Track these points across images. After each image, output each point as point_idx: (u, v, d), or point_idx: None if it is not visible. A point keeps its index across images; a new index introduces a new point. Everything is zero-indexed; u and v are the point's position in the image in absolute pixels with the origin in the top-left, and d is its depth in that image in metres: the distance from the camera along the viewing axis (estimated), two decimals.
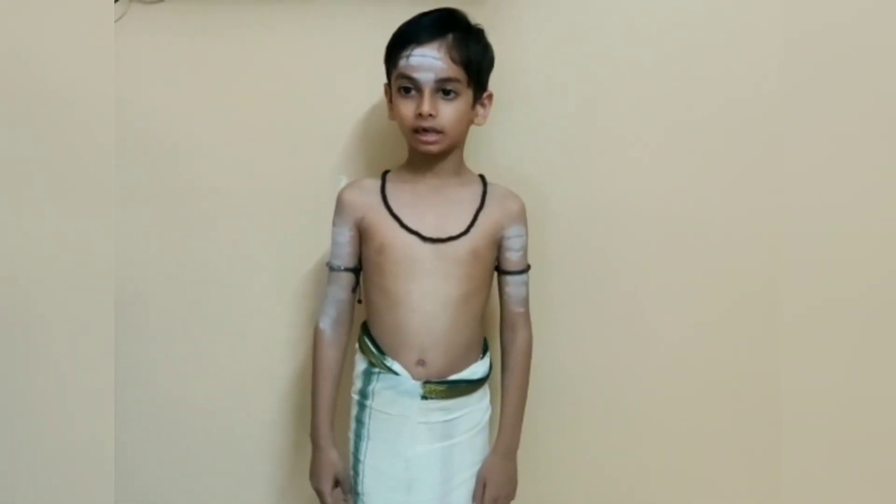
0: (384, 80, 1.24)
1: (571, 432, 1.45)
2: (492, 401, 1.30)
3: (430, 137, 1.18)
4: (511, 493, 1.29)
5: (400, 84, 1.19)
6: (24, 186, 1.13)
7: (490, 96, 1.24)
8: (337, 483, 1.26)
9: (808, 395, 1.32)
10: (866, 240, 1.32)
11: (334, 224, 1.26)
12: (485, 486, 1.26)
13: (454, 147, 1.23)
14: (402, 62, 1.17)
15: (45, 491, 1.12)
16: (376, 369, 1.23)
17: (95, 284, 1.16)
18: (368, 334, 1.25)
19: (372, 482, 1.23)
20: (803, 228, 1.32)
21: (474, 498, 1.25)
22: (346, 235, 1.24)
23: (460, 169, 1.27)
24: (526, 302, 1.29)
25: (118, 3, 1.40)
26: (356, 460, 1.25)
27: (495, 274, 1.28)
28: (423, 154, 1.21)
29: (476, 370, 1.25)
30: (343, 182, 1.39)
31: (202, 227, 1.48)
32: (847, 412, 1.33)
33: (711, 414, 1.42)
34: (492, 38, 1.25)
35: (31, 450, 1.11)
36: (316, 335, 1.28)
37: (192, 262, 1.48)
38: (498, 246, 1.26)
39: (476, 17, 1.24)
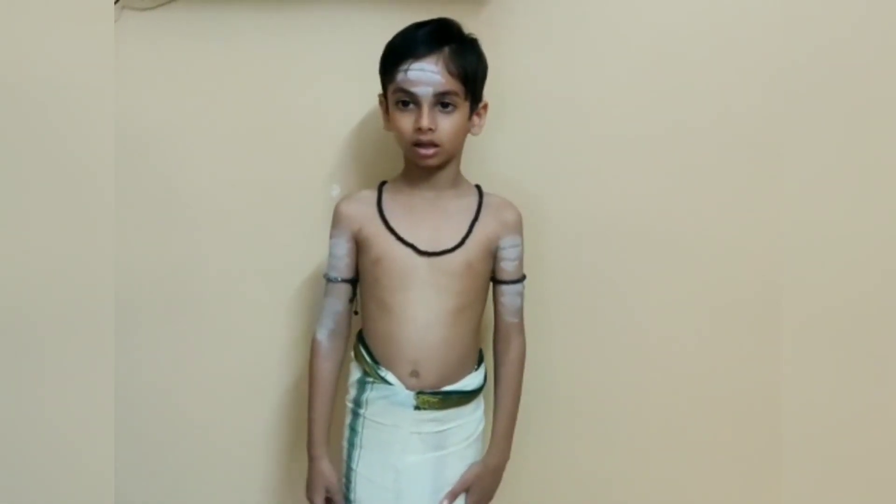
0: (378, 88, 1.24)
1: (566, 444, 1.45)
2: (486, 412, 1.30)
3: (429, 151, 1.18)
4: (489, 499, 1.30)
5: (398, 98, 1.19)
6: (23, 192, 1.13)
7: (485, 106, 1.25)
8: (329, 495, 1.26)
9: (809, 407, 1.32)
10: (865, 248, 1.33)
11: (332, 236, 1.26)
12: (467, 491, 1.26)
13: (451, 159, 1.24)
14: (400, 76, 1.17)
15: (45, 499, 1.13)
16: (370, 378, 1.23)
17: (94, 293, 1.15)
18: (364, 343, 1.26)
19: (363, 491, 1.24)
20: (801, 237, 1.32)
21: (448, 494, 1.24)
22: (344, 247, 1.25)
23: (457, 180, 1.27)
24: (520, 313, 1.29)
25: None
26: (349, 468, 1.26)
27: (491, 284, 1.28)
28: (421, 166, 1.22)
29: (470, 381, 1.25)
30: (336, 192, 1.39)
31: (195, 236, 1.47)
32: (848, 423, 1.33)
33: (710, 425, 1.42)
34: (488, 47, 1.25)
35: (29, 461, 1.12)
36: (313, 346, 1.28)
37: (185, 270, 1.48)
38: (493, 256, 1.26)
39: (472, 26, 1.25)
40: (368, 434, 1.24)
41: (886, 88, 1.30)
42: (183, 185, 1.46)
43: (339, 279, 1.26)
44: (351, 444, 1.26)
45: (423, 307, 1.21)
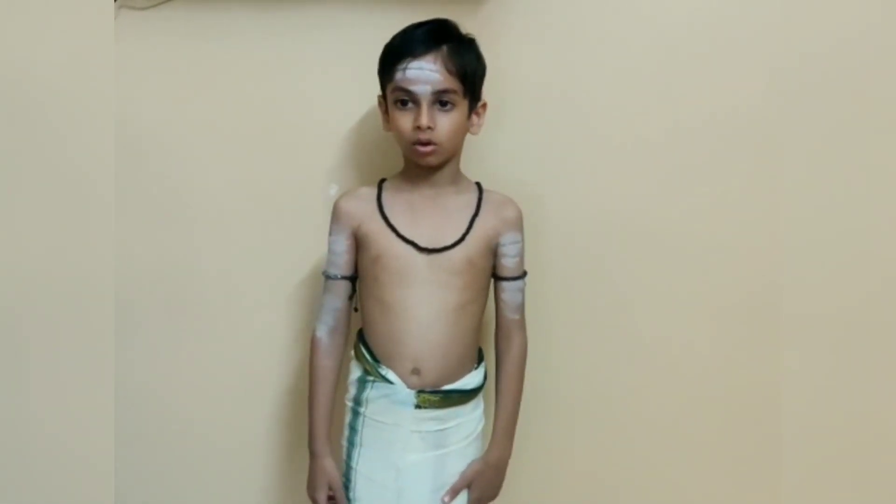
0: (376, 87, 1.24)
1: (566, 443, 1.45)
2: (486, 410, 1.30)
3: (428, 149, 1.19)
4: (493, 497, 1.30)
5: (396, 97, 1.19)
6: (23, 192, 1.13)
7: (484, 105, 1.25)
8: (331, 492, 1.26)
9: (809, 407, 1.32)
10: (865, 248, 1.33)
11: (331, 233, 1.26)
12: (468, 487, 1.26)
13: (450, 158, 1.24)
14: (399, 75, 1.17)
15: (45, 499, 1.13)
16: (371, 377, 1.23)
17: (94, 293, 1.16)
18: (364, 342, 1.26)
19: (363, 490, 1.24)
20: (801, 237, 1.32)
21: (449, 490, 1.24)
22: (344, 244, 1.25)
23: (457, 177, 1.27)
24: (521, 309, 1.30)
25: None
26: (348, 467, 1.25)
27: (492, 281, 1.29)
28: (420, 165, 1.22)
29: (470, 380, 1.25)
30: (334, 191, 1.39)
31: (194, 236, 1.47)
32: (848, 422, 1.33)
33: (710, 425, 1.42)
34: (486, 46, 1.25)
35: (29, 461, 1.12)
36: (313, 344, 1.28)
37: (184, 269, 1.48)
38: (494, 253, 1.26)
39: (470, 26, 1.25)
40: (368, 433, 1.24)
41: (886, 88, 1.31)
42: (182, 185, 1.46)
43: (339, 276, 1.26)
44: (351, 443, 1.26)
45: (424, 305, 1.21)
